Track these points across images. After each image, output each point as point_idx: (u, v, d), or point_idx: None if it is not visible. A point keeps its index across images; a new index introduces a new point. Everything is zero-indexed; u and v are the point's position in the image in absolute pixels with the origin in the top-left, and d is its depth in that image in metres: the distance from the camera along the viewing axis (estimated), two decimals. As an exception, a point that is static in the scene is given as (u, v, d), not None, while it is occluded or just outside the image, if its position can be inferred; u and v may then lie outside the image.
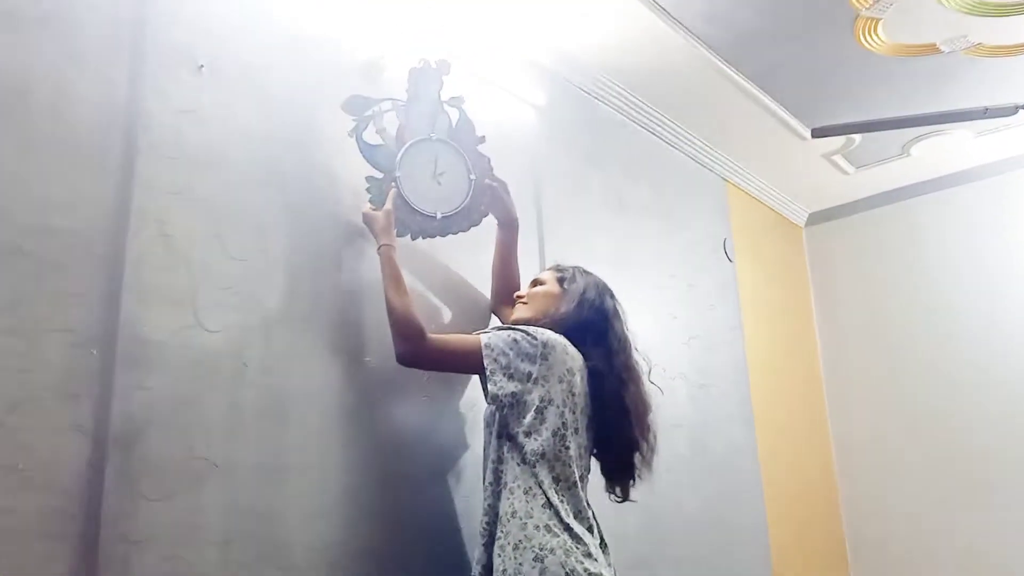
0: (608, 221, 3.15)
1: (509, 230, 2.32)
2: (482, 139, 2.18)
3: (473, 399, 2.21)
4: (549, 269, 2.22)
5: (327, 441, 1.90)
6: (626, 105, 3.34)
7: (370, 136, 2.02)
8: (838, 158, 4.07)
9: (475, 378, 2.09)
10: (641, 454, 2.03)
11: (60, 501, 1.44)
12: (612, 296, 2.14)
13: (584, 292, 2.08)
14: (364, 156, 1.98)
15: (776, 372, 4.14)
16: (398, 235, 1.99)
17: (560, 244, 2.81)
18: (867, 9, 2.84)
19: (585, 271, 2.17)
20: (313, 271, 1.97)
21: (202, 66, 1.83)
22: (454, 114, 2.15)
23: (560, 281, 2.14)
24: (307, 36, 2.10)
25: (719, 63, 3.14)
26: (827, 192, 4.53)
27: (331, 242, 2.03)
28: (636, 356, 2.09)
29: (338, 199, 2.05)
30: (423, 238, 2.06)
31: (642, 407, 2.04)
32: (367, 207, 2.00)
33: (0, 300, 1.42)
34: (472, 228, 2.15)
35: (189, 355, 1.67)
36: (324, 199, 2.03)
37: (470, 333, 1.98)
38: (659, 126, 3.53)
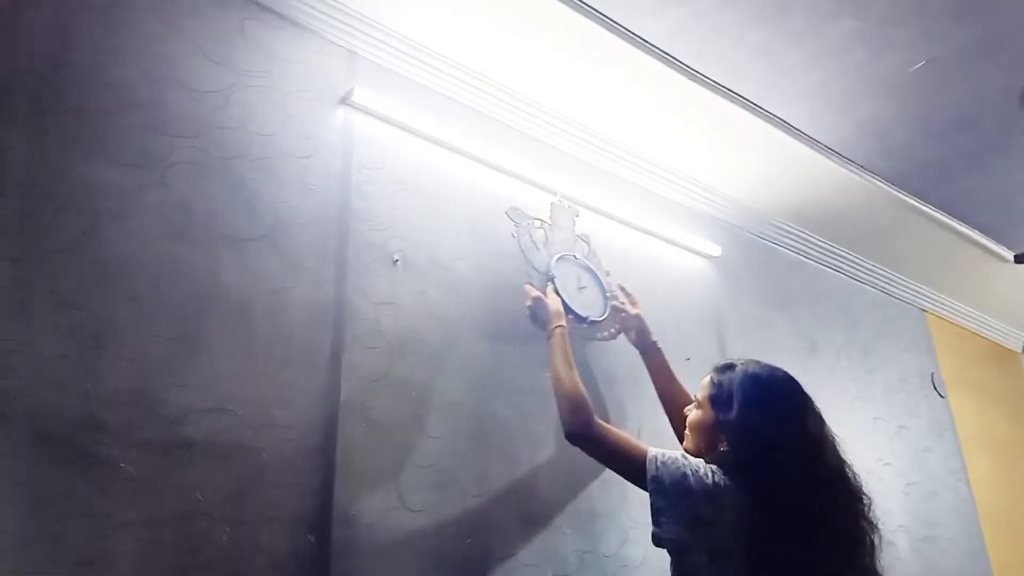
0: (801, 365, 3.03)
1: (652, 353, 2.20)
2: (607, 272, 2.36)
3: None
4: (708, 375, 1.76)
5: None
6: (806, 247, 3.29)
7: (526, 242, 2.21)
8: (1050, 277, 3.77)
9: None
10: None
11: None
12: (793, 399, 1.64)
13: (747, 419, 1.61)
14: (525, 254, 2.19)
15: (1013, 514, 3.73)
16: None
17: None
18: (1058, 126, 2.70)
19: (750, 373, 1.67)
20: (504, 446, 2.02)
21: (396, 260, 1.99)
22: (584, 247, 2.37)
23: (713, 402, 1.69)
24: (487, 222, 2.24)
25: (903, 196, 3.05)
26: (1044, 313, 4.19)
27: (520, 416, 2.08)
28: (849, 472, 1.62)
29: (530, 374, 2.12)
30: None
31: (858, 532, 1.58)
32: (535, 292, 2.08)
33: (228, 492, 1.55)
34: (609, 340, 2.27)
35: (395, 536, 1.74)
36: (512, 376, 2.11)
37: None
38: (845, 263, 3.44)
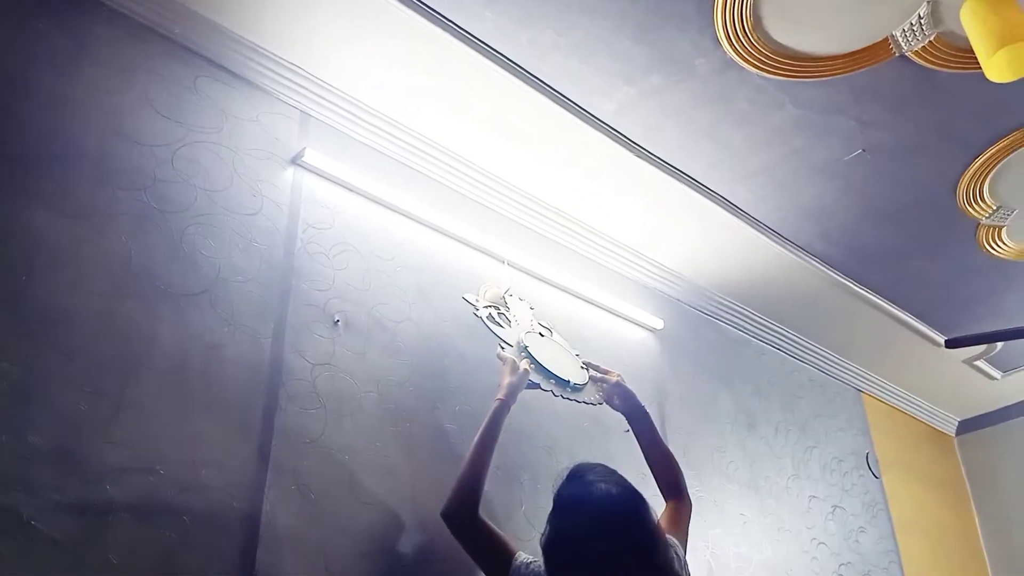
0: (739, 440, 3.06)
1: (640, 419, 2.14)
2: (577, 354, 2.32)
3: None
4: None
5: None
6: (748, 323, 3.34)
7: (491, 322, 2.16)
8: (982, 363, 3.87)
9: None
10: None
11: None
12: (600, 521, 1.53)
13: (553, 535, 1.57)
14: (492, 330, 2.11)
15: (944, 599, 3.76)
16: (535, 388, 2.06)
17: (691, 466, 2.74)
18: (987, 218, 2.81)
19: (571, 489, 1.62)
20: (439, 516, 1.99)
21: (337, 320, 1.98)
22: (548, 333, 2.31)
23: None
24: (432, 286, 2.24)
25: (841, 279, 3.13)
26: (976, 398, 4.27)
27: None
28: None
29: (469, 442, 2.09)
30: (561, 397, 2.15)
31: None
32: (510, 357, 2.04)
33: (148, 555, 1.50)
34: (590, 406, 2.23)
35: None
36: (450, 442, 2.09)
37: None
38: (785, 341, 3.49)
